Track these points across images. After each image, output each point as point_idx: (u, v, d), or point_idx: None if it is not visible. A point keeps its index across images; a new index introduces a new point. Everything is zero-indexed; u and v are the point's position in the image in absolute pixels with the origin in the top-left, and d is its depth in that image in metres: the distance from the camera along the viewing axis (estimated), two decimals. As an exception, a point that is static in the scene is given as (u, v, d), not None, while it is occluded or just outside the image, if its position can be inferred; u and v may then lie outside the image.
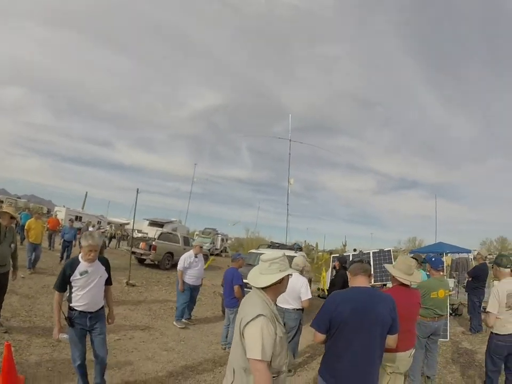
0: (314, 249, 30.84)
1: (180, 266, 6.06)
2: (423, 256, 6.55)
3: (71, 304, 2.93)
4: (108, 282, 3.21)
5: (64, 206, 27.60)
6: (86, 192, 40.61)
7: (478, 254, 8.73)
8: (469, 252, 12.27)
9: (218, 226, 29.72)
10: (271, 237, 28.48)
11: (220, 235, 26.25)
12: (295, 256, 8.38)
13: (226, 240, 28.45)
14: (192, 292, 6.21)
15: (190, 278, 6.12)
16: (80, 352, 2.97)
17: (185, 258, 6.08)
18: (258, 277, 1.87)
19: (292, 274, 1.94)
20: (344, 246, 26.42)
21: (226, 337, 5.00)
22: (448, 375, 4.68)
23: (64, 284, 2.90)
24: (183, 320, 6.09)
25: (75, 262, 2.94)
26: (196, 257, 6.18)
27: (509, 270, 3.46)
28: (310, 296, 4.24)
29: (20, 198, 38.75)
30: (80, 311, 2.94)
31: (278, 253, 1.94)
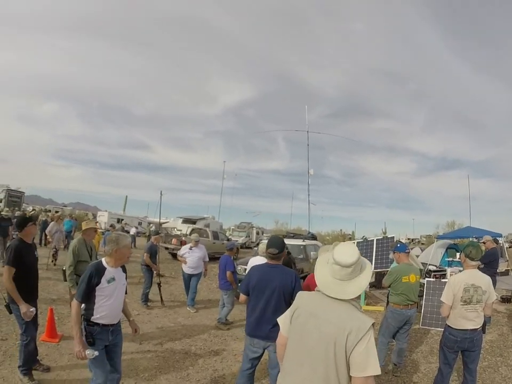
0: (351, 237, 30.84)
1: (178, 253, 7.40)
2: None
3: (92, 318, 2.57)
4: (125, 291, 2.96)
5: (106, 211, 30.27)
6: (126, 196, 44.51)
7: (485, 239, 8.80)
8: (499, 236, 11.66)
9: (255, 219, 31.16)
10: (300, 227, 29.28)
11: (255, 228, 27.55)
12: (302, 244, 9.22)
13: (262, 233, 29.55)
14: (190, 280, 7.00)
15: (186, 268, 7.00)
16: (106, 373, 2.61)
17: (180, 250, 7.29)
18: (340, 285, 1.62)
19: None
20: (384, 233, 26.18)
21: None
22: (424, 365, 4.58)
23: (89, 293, 2.55)
24: (190, 306, 6.91)
25: (101, 268, 2.62)
26: (190, 249, 7.04)
27: (476, 263, 3.25)
28: None
29: (66, 206, 43.10)
30: (103, 325, 2.61)
31: (352, 249, 1.68)
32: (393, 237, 8.58)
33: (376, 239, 8.86)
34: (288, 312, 1.81)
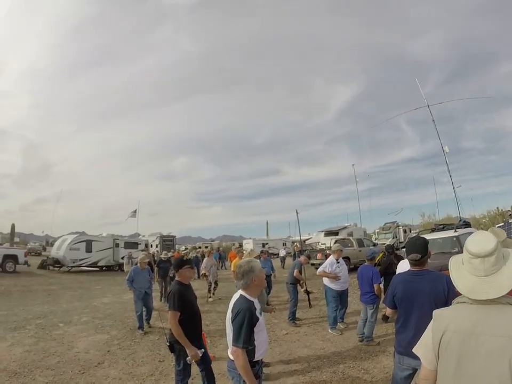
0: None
1: (319, 269, 6.33)
2: None
3: (256, 357, 2.31)
4: None
5: (250, 238, 32.74)
6: (267, 221, 47.58)
7: None
8: None
9: (399, 217, 28.37)
10: (450, 215, 24.90)
11: (401, 227, 25.05)
12: (454, 236, 7.83)
13: (410, 230, 26.49)
14: (341, 297, 6.22)
15: (335, 285, 6.11)
16: None
17: (327, 266, 6.17)
18: (489, 283, 1.34)
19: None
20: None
21: (363, 330, 5.44)
22: None
23: (252, 334, 2.26)
24: (338, 326, 6.23)
25: (251, 303, 2.33)
26: (337, 262, 6.12)
27: None
28: None
29: (213, 240, 48.85)
30: (259, 361, 2.40)
31: (485, 235, 1.47)
32: None
33: None
34: (429, 339, 1.46)
